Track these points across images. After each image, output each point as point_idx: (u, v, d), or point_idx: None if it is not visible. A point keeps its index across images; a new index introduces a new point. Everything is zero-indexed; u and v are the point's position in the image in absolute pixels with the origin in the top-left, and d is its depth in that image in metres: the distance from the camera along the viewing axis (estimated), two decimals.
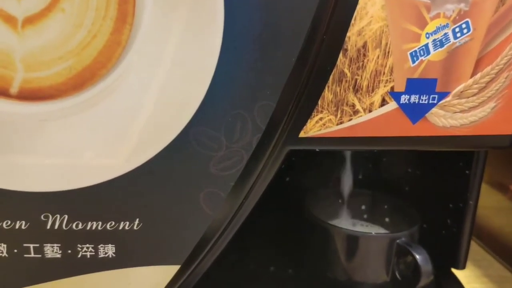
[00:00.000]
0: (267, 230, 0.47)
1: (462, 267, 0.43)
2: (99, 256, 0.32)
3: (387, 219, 0.46)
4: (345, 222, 0.46)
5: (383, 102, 0.31)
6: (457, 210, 0.42)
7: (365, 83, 0.31)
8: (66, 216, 0.30)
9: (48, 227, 0.31)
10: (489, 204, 0.58)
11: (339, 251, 0.40)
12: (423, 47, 0.30)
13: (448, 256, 0.43)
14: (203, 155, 0.30)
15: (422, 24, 0.30)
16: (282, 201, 0.46)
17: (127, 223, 0.31)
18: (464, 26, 0.30)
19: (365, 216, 0.47)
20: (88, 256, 0.32)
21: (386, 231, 0.45)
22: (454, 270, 0.44)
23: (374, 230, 0.46)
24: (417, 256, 0.36)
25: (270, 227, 0.47)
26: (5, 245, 0.31)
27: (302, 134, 0.32)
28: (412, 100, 0.31)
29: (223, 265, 0.41)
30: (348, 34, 0.29)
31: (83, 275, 0.32)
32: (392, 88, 0.31)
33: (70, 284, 0.32)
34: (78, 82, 0.28)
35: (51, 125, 0.29)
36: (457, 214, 0.42)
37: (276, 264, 0.44)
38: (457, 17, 0.30)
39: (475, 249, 0.59)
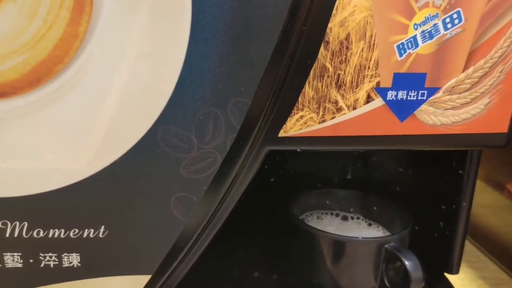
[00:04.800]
0: (250, 233, 0.45)
1: (455, 271, 0.41)
2: (63, 266, 0.30)
3: (376, 223, 0.44)
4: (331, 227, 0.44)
5: (369, 99, 0.30)
6: (450, 211, 0.40)
7: (348, 78, 0.29)
8: (26, 223, 0.28)
9: (7, 235, 0.29)
10: (485, 203, 0.56)
11: (325, 257, 0.38)
12: (411, 39, 0.28)
13: (441, 260, 0.41)
14: (172, 157, 0.28)
15: (410, 14, 0.28)
16: (267, 203, 0.44)
17: (92, 230, 0.29)
18: (455, 16, 0.28)
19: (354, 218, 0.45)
20: (52, 266, 0.30)
21: (377, 231, 0.43)
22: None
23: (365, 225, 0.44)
24: (407, 262, 0.34)
25: (254, 231, 0.45)
26: None
27: (281, 134, 0.30)
28: (399, 96, 0.30)
29: (203, 271, 0.39)
30: (330, 25, 0.27)
31: (47, 285, 0.30)
32: (378, 83, 0.29)
33: None
34: (34, 78, 0.25)
35: (6, 125, 0.26)
36: (450, 216, 0.40)
37: (261, 270, 0.42)
38: (448, 7, 0.28)
39: (470, 249, 0.57)
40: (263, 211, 0.45)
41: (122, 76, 0.26)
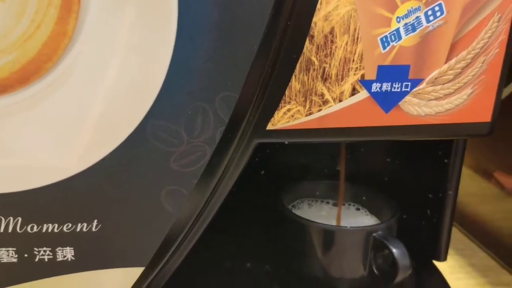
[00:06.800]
0: (242, 225, 0.46)
1: (443, 258, 0.42)
2: (58, 260, 0.30)
3: (365, 210, 0.45)
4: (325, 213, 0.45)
5: (354, 91, 0.30)
6: (436, 200, 0.41)
7: (334, 72, 0.29)
8: (20, 219, 0.29)
9: (2, 230, 0.29)
10: (473, 191, 0.57)
11: (315, 246, 0.38)
12: (394, 32, 0.29)
13: (429, 248, 0.42)
14: (162, 151, 0.28)
15: (393, 7, 0.28)
16: (258, 194, 0.44)
17: (85, 224, 0.29)
18: (437, 8, 0.29)
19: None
20: (46, 260, 0.30)
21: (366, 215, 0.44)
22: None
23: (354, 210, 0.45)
24: (394, 250, 0.35)
25: (245, 222, 0.46)
26: None
27: (269, 127, 0.30)
28: (384, 88, 0.30)
29: (196, 262, 0.40)
30: (314, 19, 0.28)
31: (42, 279, 0.31)
32: (362, 76, 0.30)
33: None
34: (23, 77, 0.26)
35: None
36: (436, 204, 0.41)
37: (253, 261, 0.43)
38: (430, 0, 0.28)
39: (459, 237, 0.58)
40: (254, 202, 0.45)
41: (111, 73, 0.27)
